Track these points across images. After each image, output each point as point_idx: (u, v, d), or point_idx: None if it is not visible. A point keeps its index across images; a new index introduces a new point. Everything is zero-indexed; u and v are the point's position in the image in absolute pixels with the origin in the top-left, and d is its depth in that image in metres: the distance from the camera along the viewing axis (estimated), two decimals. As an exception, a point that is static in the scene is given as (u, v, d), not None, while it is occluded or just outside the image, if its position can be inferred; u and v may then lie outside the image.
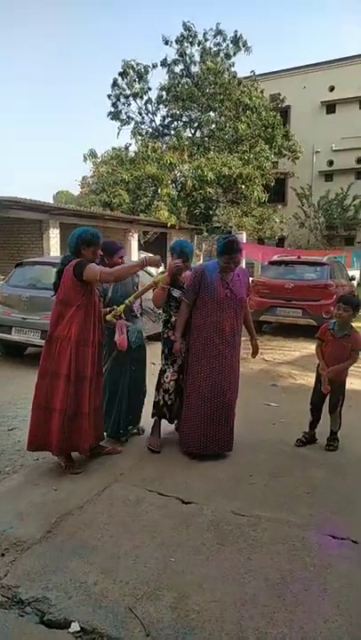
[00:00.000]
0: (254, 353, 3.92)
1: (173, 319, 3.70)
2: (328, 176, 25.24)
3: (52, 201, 23.23)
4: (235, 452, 3.61)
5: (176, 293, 3.64)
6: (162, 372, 3.74)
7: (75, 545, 2.43)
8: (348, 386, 5.74)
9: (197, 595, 2.10)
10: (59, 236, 13.25)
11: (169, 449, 3.67)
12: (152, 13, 67.61)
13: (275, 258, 10.25)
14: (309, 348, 8.13)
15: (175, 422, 3.93)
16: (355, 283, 11.12)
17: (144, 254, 15.15)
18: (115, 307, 3.47)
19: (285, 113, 24.24)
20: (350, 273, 11.40)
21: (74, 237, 3.21)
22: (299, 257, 10.19)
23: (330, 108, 25.09)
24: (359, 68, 23.94)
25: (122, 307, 3.44)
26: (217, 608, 2.02)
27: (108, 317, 3.41)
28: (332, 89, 24.76)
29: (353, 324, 3.83)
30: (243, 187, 18.34)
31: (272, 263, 9.85)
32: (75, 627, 1.91)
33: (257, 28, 60.85)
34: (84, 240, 3.18)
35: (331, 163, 25.25)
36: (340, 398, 3.86)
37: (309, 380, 6.10)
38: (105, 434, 3.66)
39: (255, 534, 2.55)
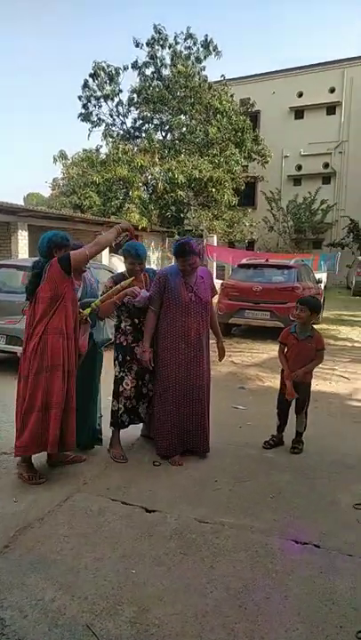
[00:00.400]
0: (221, 356, 3.86)
1: (123, 324, 3.61)
2: (297, 180, 25.68)
3: (22, 203, 22.83)
4: (199, 457, 3.59)
5: (125, 299, 3.51)
6: (119, 380, 3.61)
7: (33, 560, 2.35)
8: (313, 387, 5.82)
9: (158, 608, 2.06)
10: (27, 238, 13.00)
11: (134, 456, 3.62)
12: (123, 14, 67.47)
13: (244, 261, 10.34)
14: (277, 350, 8.23)
15: (142, 428, 3.89)
16: (322, 285, 11.31)
17: (115, 257, 14.98)
18: (80, 310, 3.40)
19: (255, 117, 24.54)
20: (317, 276, 11.59)
21: (44, 241, 3.19)
22: (267, 260, 10.30)
23: (298, 113, 25.54)
24: (326, 75, 24.51)
25: (88, 310, 3.39)
26: (178, 621, 1.99)
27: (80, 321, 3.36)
28: (300, 95, 25.21)
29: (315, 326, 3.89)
30: (213, 190, 18.45)
31: (241, 266, 9.92)
32: (29, 647, 1.84)
33: (227, 34, 61.48)
34: (56, 243, 3.19)
35: (299, 167, 25.70)
36: (306, 400, 3.90)
37: (277, 382, 6.13)
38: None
39: (218, 542, 2.53)
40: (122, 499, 2.96)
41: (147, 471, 3.38)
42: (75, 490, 3.06)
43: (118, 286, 3.54)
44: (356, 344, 9.03)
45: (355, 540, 2.58)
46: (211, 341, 3.70)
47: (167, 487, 3.14)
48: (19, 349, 6.07)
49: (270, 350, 8.16)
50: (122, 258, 3.63)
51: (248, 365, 6.96)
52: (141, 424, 3.89)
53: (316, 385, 6.03)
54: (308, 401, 3.92)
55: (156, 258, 19.33)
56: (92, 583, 2.19)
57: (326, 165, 25.18)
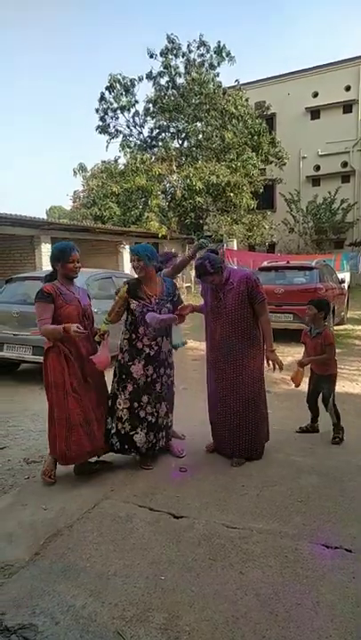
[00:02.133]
0: (270, 367, 3.62)
1: (120, 339, 3.51)
2: (315, 181, 25.42)
3: (45, 216, 23.27)
4: (226, 462, 3.57)
5: (133, 305, 3.41)
6: (113, 397, 3.51)
7: (63, 566, 2.38)
8: (340, 389, 5.74)
9: (188, 614, 2.05)
10: (51, 250, 13.24)
11: (160, 463, 3.63)
12: (136, 26, 68.44)
13: (264, 264, 10.28)
14: (302, 352, 8.13)
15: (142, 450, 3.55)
16: (345, 285, 11.13)
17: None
18: (98, 328, 3.45)
19: (271, 120, 24.49)
20: (340, 276, 11.43)
21: (51, 252, 3.36)
22: (288, 262, 10.23)
23: (314, 113, 25.33)
24: (340, 74, 24.26)
25: (103, 325, 3.43)
26: (208, 627, 1.98)
27: (97, 339, 3.40)
28: (315, 95, 25.03)
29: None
30: (232, 194, 18.44)
31: (262, 269, 9.86)
32: (62, 654, 1.86)
33: (239, 38, 61.61)
34: (53, 257, 3.32)
35: (317, 168, 25.45)
36: (329, 393, 4.13)
37: (303, 385, 6.09)
38: None
39: (247, 547, 2.51)
40: (149, 505, 2.97)
41: (173, 477, 3.38)
42: (102, 497, 3.09)
43: (117, 297, 3.51)
44: (381, 344, 8.86)
45: (388, 544, 2.53)
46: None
47: (194, 493, 3.13)
48: (44, 360, 6.20)
49: (295, 353, 8.07)
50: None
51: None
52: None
53: (343, 386, 5.96)
54: (332, 394, 4.14)
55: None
56: (121, 590, 2.21)
57: (345, 164, 24.86)
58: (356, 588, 2.19)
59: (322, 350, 4.11)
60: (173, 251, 3.64)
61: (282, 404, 5.27)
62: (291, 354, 8.04)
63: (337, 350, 8.64)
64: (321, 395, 4.21)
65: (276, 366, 3.59)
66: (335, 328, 9.71)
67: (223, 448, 3.70)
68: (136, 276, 3.57)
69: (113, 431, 3.45)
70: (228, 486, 3.22)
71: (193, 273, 18.24)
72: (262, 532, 2.65)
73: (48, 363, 3.25)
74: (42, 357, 6.34)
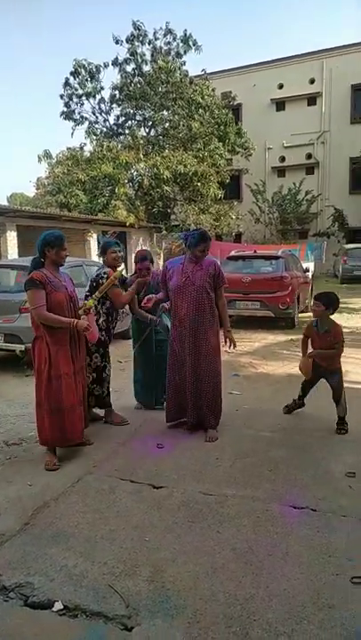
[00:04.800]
0: (228, 345, 4.05)
1: (101, 320, 4.02)
2: (281, 172, 25.91)
3: (6, 203, 22.76)
4: (201, 438, 3.80)
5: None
6: (102, 368, 4.10)
7: (53, 533, 2.54)
8: (297, 370, 6.05)
9: (172, 568, 2.26)
10: (16, 238, 13.08)
11: (138, 440, 3.82)
12: (100, 12, 66.92)
13: (232, 253, 10.54)
14: (268, 338, 8.47)
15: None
16: (309, 274, 11.56)
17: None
18: (85, 302, 3.66)
19: (237, 111, 24.70)
20: (305, 265, 11.85)
21: (39, 241, 3.41)
22: (255, 251, 10.52)
23: (280, 105, 25.73)
24: (306, 66, 24.71)
25: (90, 301, 3.68)
26: (190, 578, 2.19)
27: (80, 312, 3.55)
28: (280, 87, 25.39)
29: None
30: (199, 184, 18.61)
31: (230, 258, 10.12)
32: (58, 605, 2.03)
33: (205, 29, 61.36)
34: (47, 242, 3.37)
35: (283, 159, 25.92)
36: (338, 387, 4.03)
37: (269, 368, 6.41)
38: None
39: (223, 510, 2.74)
40: (130, 478, 3.16)
41: (151, 453, 3.58)
42: (85, 472, 3.25)
43: (112, 277, 3.87)
44: (345, 329, 9.29)
45: (348, 504, 2.81)
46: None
47: (171, 466, 3.34)
48: (17, 347, 6.26)
49: (262, 339, 8.41)
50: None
51: (241, 354, 7.17)
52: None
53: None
54: (341, 389, 4.03)
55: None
56: (109, 550, 2.39)
57: (309, 156, 25.44)
58: (320, 540, 2.46)
59: (331, 346, 3.96)
60: (148, 249, 4.00)
61: (251, 385, 5.54)
62: (258, 339, 8.37)
63: (301, 336, 9.03)
64: (332, 392, 4.06)
65: (232, 344, 4.07)
66: (300, 315, 10.11)
67: (183, 413, 3.99)
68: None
69: (105, 394, 4.15)
70: (203, 459, 3.45)
71: (161, 262, 18.36)
72: (236, 497, 2.88)
73: (36, 351, 3.37)
74: (14, 345, 6.39)
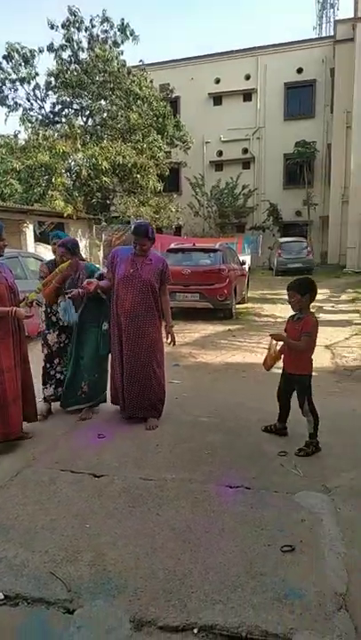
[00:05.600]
0: (169, 341, 4.10)
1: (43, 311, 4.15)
2: (218, 166, 26.38)
3: None
4: (142, 427, 3.87)
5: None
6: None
7: (-9, 527, 2.52)
8: (240, 359, 6.29)
9: (113, 551, 2.32)
10: None
11: (79, 432, 3.83)
12: (33, -8, 64.16)
13: (172, 246, 10.65)
14: (208, 329, 8.68)
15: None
16: (246, 267, 11.93)
17: (41, 245, 14.73)
18: (27, 295, 3.63)
19: (175, 103, 24.79)
20: (242, 258, 12.20)
21: None
22: (194, 244, 10.70)
23: (217, 99, 26.13)
24: (242, 62, 25.24)
25: (32, 294, 3.66)
26: (131, 559, 2.27)
27: (22, 305, 3.51)
28: (217, 81, 25.77)
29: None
30: (138, 176, 18.53)
31: (170, 251, 10.22)
32: (-1, 596, 2.04)
33: (144, 19, 60.66)
34: None
35: (220, 153, 26.39)
36: (303, 394, 3.47)
37: (208, 357, 6.59)
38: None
39: (162, 494, 2.83)
40: (70, 468, 3.17)
41: (92, 443, 3.60)
42: (24, 465, 3.23)
43: (57, 270, 3.80)
44: (278, 319, 9.70)
45: (280, 481, 3.00)
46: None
47: (113, 455, 3.38)
48: None
49: (201, 330, 8.60)
50: (47, 246, 3.97)
51: (181, 345, 7.28)
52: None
53: (244, 357, 6.54)
54: (307, 397, 3.46)
55: (83, 245, 19.12)
56: (50, 539, 2.41)
57: (245, 151, 26.07)
58: (253, 515, 2.61)
59: (298, 337, 3.41)
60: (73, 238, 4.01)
61: (191, 374, 5.68)
62: (197, 330, 8.55)
63: (238, 326, 9.30)
64: (295, 394, 3.54)
65: (172, 341, 4.12)
66: (237, 307, 10.42)
67: (125, 403, 4.00)
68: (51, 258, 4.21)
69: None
70: (144, 446, 3.52)
71: (100, 255, 18.12)
72: (175, 481, 2.99)
73: None
74: None
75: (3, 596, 2.04)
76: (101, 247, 18.34)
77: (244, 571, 2.17)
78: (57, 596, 2.02)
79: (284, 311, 10.50)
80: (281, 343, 3.56)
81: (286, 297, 3.59)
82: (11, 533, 2.46)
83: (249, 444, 3.58)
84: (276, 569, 2.18)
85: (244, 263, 11.63)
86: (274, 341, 3.57)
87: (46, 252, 11.03)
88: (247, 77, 25.42)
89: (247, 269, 12.18)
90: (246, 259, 13.58)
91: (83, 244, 19.04)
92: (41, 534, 2.46)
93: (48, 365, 4.20)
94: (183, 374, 5.66)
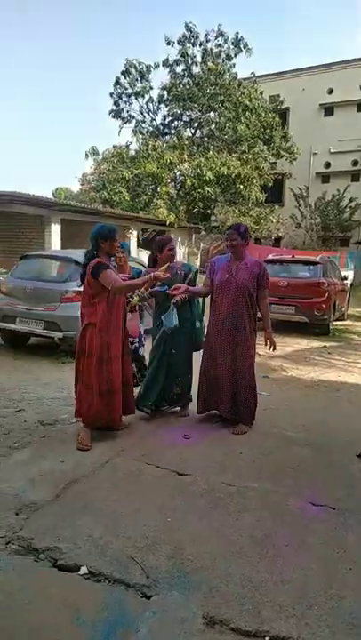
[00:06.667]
0: (268, 346, 4.08)
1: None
2: (325, 178, 25.59)
3: (51, 196, 23.45)
4: (227, 433, 3.90)
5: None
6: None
7: (81, 506, 2.71)
8: (335, 378, 6.07)
9: (191, 547, 2.38)
10: (59, 231, 13.52)
11: (166, 430, 3.96)
12: (153, 13, 67.71)
13: (270, 256, 10.55)
14: (301, 343, 8.46)
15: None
16: (347, 282, 11.43)
17: (143, 251, 15.44)
18: (130, 299, 3.85)
19: (284, 114, 24.57)
20: (343, 273, 11.72)
21: (93, 233, 3.60)
22: (293, 256, 10.50)
23: (328, 110, 25.43)
24: (357, 72, 24.28)
25: (135, 298, 3.85)
26: (208, 558, 2.31)
27: (129, 308, 3.82)
28: (330, 92, 25.10)
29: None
30: (241, 187, 18.64)
31: (267, 261, 10.12)
32: (84, 570, 2.19)
33: (257, 30, 61.00)
34: (102, 235, 3.58)
35: (328, 165, 25.59)
36: None
37: (300, 372, 6.44)
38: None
39: (243, 501, 2.84)
40: (156, 463, 3.29)
41: (178, 443, 3.71)
42: (114, 455, 3.42)
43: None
44: (378, 340, 9.19)
45: (367, 506, 2.86)
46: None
47: (196, 456, 3.46)
48: (56, 334, 6.52)
49: (294, 343, 8.41)
50: (148, 252, 4.10)
51: (272, 357, 7.20)
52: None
53: (339, 376, 6.29)
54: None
55: (182, 253, 19.64)
56: (133, 527, 2.54)
57: (355, 163, 25.01)
58: (335, 536, 2.52)
59: None
60: (169, 235, 4.10)
61: (279, 388, 5.59)
62: (290, 344, 8.37)
63: (334, 343, 8.95)
64: None
65: (272, 347, 4.07)
66: (335, 323, 10.02)
67: (212, 406, 4.09)
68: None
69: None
70: (228, 452, 3.55)
71: (197, 263, 18.42)
72: (257, 490, 2.97)
73: (87, 337, 3.56)
74: (53, 332, 6.64)
75: (87, 571, 2.19)
76: (199, 255, 18.68)
77: (322, 590, 2.11)
78: (136, 580, 2.13)
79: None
80: None
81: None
82: (98, 515, 2.63)
83: (336, 463, 3.45)
84: (356, 594, 2.09)
85: (345, 278, 11.17)
86: None
87: (146, 258, 11.52)
88: (362, 87, 24.41)
89: (349, 285, 11.67)
90: (349, 274, 13.02)
91: (181, 252, 19.56)
92: (125, 520, 2.59)
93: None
94: (272, 387, 5.59)
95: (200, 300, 4.39)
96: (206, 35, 20.15)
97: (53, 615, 1.93)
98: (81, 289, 3.79)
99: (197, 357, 4.25)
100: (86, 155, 20.59)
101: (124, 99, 21.47)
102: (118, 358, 3.60)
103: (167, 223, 17.18)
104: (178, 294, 3.88)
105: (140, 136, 21.41)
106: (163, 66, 20.71)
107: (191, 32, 20.01)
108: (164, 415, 4.27)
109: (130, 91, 21.14)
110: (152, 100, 21.64)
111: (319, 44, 57.83)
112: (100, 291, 3.50)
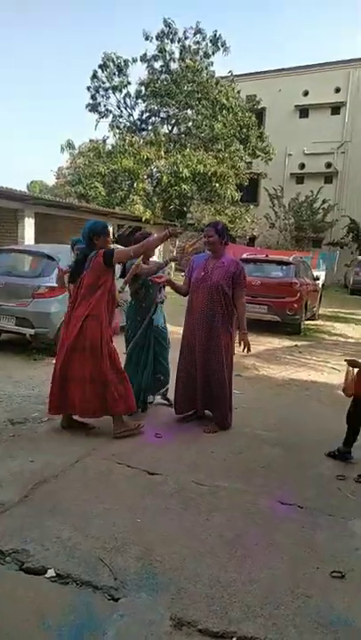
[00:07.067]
0: (242, 348, 3.97)
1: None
2: (299, 178, 25.93)
3: (26, 190, 23.01)
4: (200, 432, 3.91)
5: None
6: None
7: (50, 507, 2.66)
8: (306, 377, 6.15)
9: (160, 548, 2.37)
10: (33, 225, 13.26)
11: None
12: (131, 9, 67.06)
13: (244, 256, 10.62)
14: (273, 342, 8.55)
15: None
16: (319, 282, 11.62)
17: (118, 247, 15.38)
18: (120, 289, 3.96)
19: (260, 114, 24.70)
20: (316, 274, 11.90)
21: (86, 229, 3.66)
22: (267, 256, 10.60)
23: (303, 112, 25.75)
24: (332, 75, 24.69)
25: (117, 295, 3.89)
26: (177, 559, 2.30)
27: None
28: (306, 94, 25.41)
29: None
30: (217, 185, 18.68)
31: (242, 260, 10.19)
32: (51, 572, 2.15)
33: (234, 30, 61.22)
34: (95, 231, 3.64)
35: (302, 166, 25.94)
36: None
37: (272, 371, 6.50)
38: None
39: (214, 500, 2.85)
40: (127, 463, 3.27)
41: (149, 442, 3.69)
42: (85, 454, 3.37)
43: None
44: (349, 339, 9.37)
45: (336, 504, 2.91)
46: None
47: (168, 455, 3.45)
48: (28, 331, 6.39)
49: (267, 343, 8.49)
50: (123, 247, 4.23)
51: (245, 356, 7.23)
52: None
53: (309, 375, 6.38)
54: None
55: (158, 250, 19.55)
56: (102, 527, 2.51)
57: (329, 165, 25.42)
58: (304, 535, 2.56)
59: None
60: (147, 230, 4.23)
61: (252, 386, 5.63)
62: (263, 343, 8.44)
63: (305, 342, 9.07)
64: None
65: (246, 348, 3.99)
66: (307, 322, 10.17)
67: (192, 405, 4.11)
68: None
69: None
70: (199, 452, 3.56)
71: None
72: (227, 489, 2.99)
73: (89, 330, 3.57)
74: (24, 329, 6.51)
75: (55, 574, 2.15)
76: (174, 253, 18.64)
77: (289, 589, 2.13)
78: (104, 582, 2.10)
79: (357, 331, 10.14)
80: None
81: (360, 317, 3.51)
82: (67, 516, 2.59)
83: (306, 462, 3.50)
84: (325, 594, 2.12)
85: (317, 279, 11.35)
86: (350, 367, 3.50)
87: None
88: (337, 90, 24.84)
89: (321, 285, 11.86)
90: (321, 274, 13.23)
91: (158, 249, 19.46)
92: (94, 521, 2.56)
93: None
94: (245, 386, 5.62)
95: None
96: (185, 31, 20.08)
97: (19, 620, 1.89)
98: (54, 284, 3.81)
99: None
100: (62, 148, 20.22)
101: (102, 92, 21.19)
102: (115, 352, 3.71)
103: (143, 219, 17.08)
104: (160, 282, 4.11)
105: (117, 131, 21.20)
106: (141, 61, 20.51)
107: (170, 28, 19.88)
108: (136, 414, 4.24)
109: (107, 85, 20.88)
110: (129, 96, 21.43)
111: (295, 45, 58.42)
112: (108, 281, 3.60)
